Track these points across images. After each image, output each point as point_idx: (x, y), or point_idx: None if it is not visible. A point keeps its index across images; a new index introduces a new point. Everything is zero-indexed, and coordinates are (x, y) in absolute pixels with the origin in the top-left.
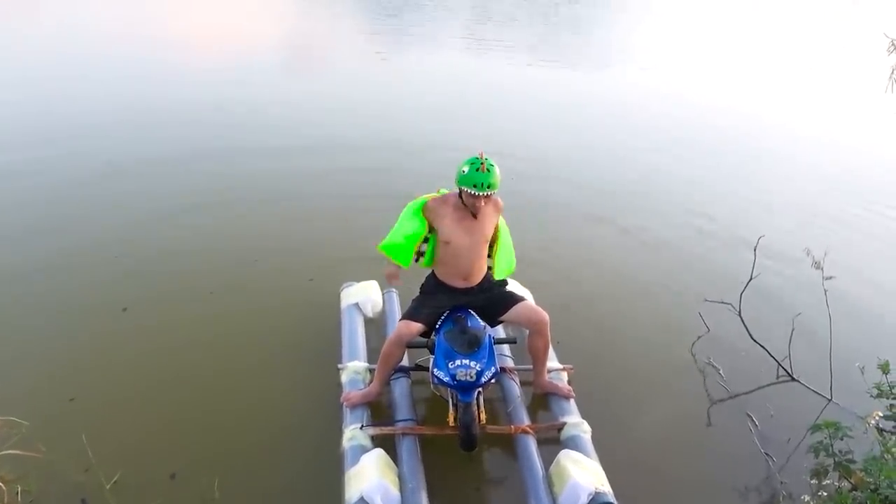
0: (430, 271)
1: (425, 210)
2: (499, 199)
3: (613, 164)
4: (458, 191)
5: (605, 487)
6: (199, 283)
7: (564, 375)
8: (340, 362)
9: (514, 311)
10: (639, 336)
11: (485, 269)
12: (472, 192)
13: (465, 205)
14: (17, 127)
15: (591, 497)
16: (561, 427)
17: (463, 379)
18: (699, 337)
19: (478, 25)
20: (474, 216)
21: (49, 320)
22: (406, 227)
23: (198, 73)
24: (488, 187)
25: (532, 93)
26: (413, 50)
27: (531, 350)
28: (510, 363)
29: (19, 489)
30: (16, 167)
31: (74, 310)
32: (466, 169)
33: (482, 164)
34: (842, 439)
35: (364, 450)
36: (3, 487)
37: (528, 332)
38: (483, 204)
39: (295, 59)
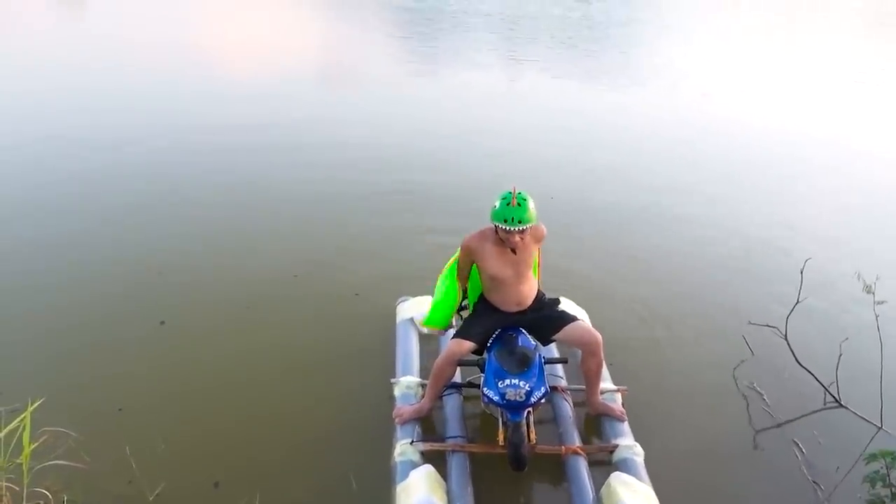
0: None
1: (465, 251)
2: (541, 227)
3: (659, 185)
4: (493, 226)
5: None
6: (236, 298)
7: (618, 397)
8: (393, 376)
9: (567, 331)
10: (686, 359)
11: (535, 290)
12: (505, 228)
13: (502, 240)
14: (59, 139)
15: None
16: (613, 449)
17: (512, 399)
18: (742, 362)
19: (524, 47)
20: (513, 251)
21: (90, 333)
22: (440, 291)
23: (235, 86)
24: (519, 222)
25: (580, 114)
26: (459, 70)
27: (584, 370)
28: (562, 383)
29: (65, 499)
30: (55, 179)
31: (113, 323)
32: (497, 204)
33: (513, 198)
34: None
35: (414, 465)
36: (51, 497)
37: (581, 352)
38: (518, 239)
39: (338, 75)
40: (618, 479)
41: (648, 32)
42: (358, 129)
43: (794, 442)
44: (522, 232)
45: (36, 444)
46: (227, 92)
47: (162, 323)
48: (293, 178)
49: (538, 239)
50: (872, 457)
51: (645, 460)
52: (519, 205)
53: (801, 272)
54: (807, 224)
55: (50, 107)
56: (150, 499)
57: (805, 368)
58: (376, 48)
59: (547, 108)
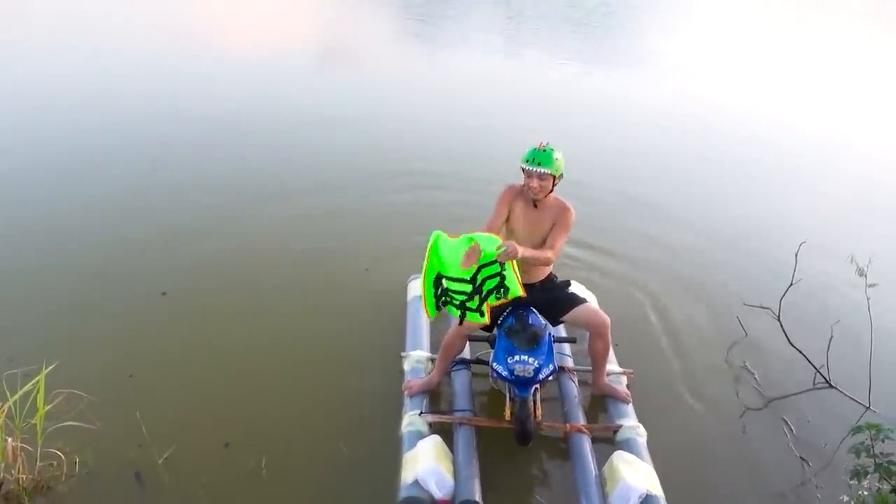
0: None
1: (506, 196)
2: (570, 210)
3: (654, 169)
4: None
5: (657, 491)
6: (242, 271)
7: (624, 379)
8: (404, 350)
9: (576, 313)
10: (686, 341)
11: (547, 269)
12: (525, 168)
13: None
14: (66, 121)
15: (641, 499)
16: (616, 429)
17: (520, 374)
18: (735, 342)
19: (537, 33)
20: (535, 205)
21: (100, 303)
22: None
23: (239, 68)
24: (539, 164)
25: (586, 100)
26: (469, 54)
27: (591, 352)
28: (570, 363)
29: (77, 460)
30: (64, 160)
31: (122, 295)
32: (527, 151)
33: (540, 144)
34: (883, 441)
35: (421, 435)
36: (63, 458)
37: (588, 333)
38: (536, 185)
39: (346, 57)
40: (620, 458)
41: (662, 20)
42: (366, 110)
43: (784, 420)
44: (542, 177)
45: (50, 406)
46: (232, 72)
47: (163, 294)
48: (300, 157)
49: (563, 217)
50: (858, 429)
51: (648, 441)
52: (544, 150)
53: (796, 255)
54: (802, 208)
55: (59, 83)
56: (160, 462)
57: (797, 349)
58: (385, 31)
59: (556, 93)
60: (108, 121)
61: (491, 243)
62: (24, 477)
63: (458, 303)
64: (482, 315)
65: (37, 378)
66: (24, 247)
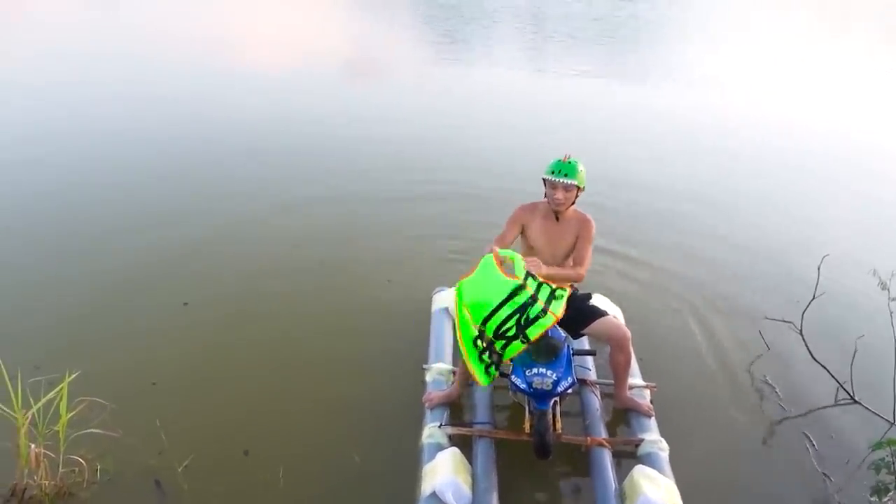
0: None
1: (516, 216)
2: (591, 221)
3: (675, 180)
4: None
5: None
6: (263, 282)
7: (647, 393)
8: (426, 362)
9: (596, 326)
10: (708, 354)
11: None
12: (549, 178)
13: (549, 213)
14: (86, 129)
15: None
16: (638, 443)
17: (539, 387)
18: (758, 356)
19: (567, 47)
20: (556, 218)
21: (122, 313)
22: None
23: (264, 79)
24: (565, 175)
25: (612, 110)
26: (502, 68)
27: (612, 365)
28: (591, 376)
29: (98, 467)
30: (88, 172)
31: (144, 305)
32: (551, 162)
33: (564, 156)
34: None
35: (441, 447)
36: (85, 466)
37: (610, 346)
38: (560, 197)
39: (365, 70)
40: (641, 472)
41: (690, 33)
42: (389, 119)
43: (807, 435)
44: (567, 189)
45: (72, 414)
46: (256, 83)
47: (185, 304)
48: (322, 166)
49: (585, 229)
50: (879, 445)
51: (669, 456)
52: (568, 162)
53: (819, 268)
54: (826, 220)
55: (81, 92)
56: (179, 470)
57: (820, 364)
58: (409, 47)
59: (584, 105)
60: (129, 130)
61: (517, 258)
62: (47, 483)
63: (513, 333)
64: (553, 314)
65: (60, 386)
66: (49, 256)
